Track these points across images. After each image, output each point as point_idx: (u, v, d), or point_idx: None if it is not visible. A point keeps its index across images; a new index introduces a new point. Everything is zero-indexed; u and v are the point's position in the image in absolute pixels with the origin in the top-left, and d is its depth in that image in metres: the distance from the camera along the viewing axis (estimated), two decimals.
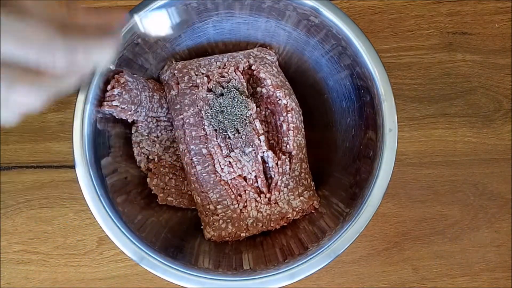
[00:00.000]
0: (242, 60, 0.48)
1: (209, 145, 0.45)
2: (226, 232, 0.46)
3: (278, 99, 0.47)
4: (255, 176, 0.46)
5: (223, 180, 0.46)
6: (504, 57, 0.55)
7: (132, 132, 0.48)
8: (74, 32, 0.26)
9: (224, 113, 0.46)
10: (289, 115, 0.47)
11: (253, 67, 0.48)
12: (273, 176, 0.47)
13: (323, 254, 0.41)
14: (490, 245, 0.54)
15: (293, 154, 0.47)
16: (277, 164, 0.46)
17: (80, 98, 0.41)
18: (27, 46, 0.25)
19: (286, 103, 0.47)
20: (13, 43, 0.24)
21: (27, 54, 0.25)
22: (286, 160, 0.47)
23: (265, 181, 0.47)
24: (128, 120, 0.46)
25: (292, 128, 0.47)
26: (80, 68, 0.27)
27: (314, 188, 0.49)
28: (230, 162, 0.45)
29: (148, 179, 0.48)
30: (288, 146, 0.47)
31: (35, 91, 0.26)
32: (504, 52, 0.55)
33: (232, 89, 0.46)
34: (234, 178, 0.46)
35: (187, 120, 0.46)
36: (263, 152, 0.46)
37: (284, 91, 0.47)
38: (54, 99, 0.27)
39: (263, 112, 0.49)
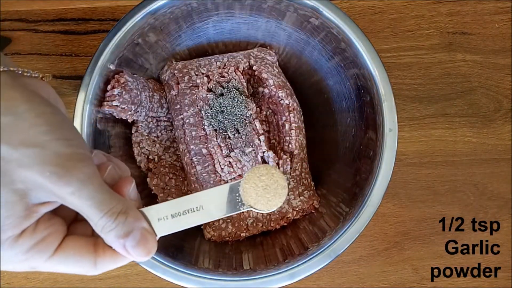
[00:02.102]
0: (242, 60, 0.48)
1: (209, 145, 0.45)
2: (226, 232, 0.46)
3: (280, 99, 0.47)
4: None
5: (223, 180, 0.46)
6: (504, 57, 0.55)
7: (132, 132, 0.48)
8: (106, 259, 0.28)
9: (224, 113, 0.46)
10: (291, 115, 0.47)
11: (254, 68, 0.48)
12: None
13: (323, 254, 0.41)
14: (490, 245, 0.54)
15: (294, 153, 0.47)
16: (278, 163, 0.46)
17: (80, 98, 0.41)
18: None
19: (288, 103, 0.47)
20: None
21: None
22: (287, 160, 0.47)
23: None
24: (128, 120, 0.46)
25: (294, 128, 0.47)
26: None
27: (314, 188, 0.49)
28: (230, 162, 0.45)
29: (148, 179, 0.48)
30: (290, 145, 0.47)
31: None
32: (504, 52, 0.55)
33: (232, 89, 0.46)
34: (234, 178, 0.46)
35: (187, 120, 0.46)
36: (263, 152, 0.46)
37: (286, 91, 0.47)
38: None
39: (264, 112, 0.49)
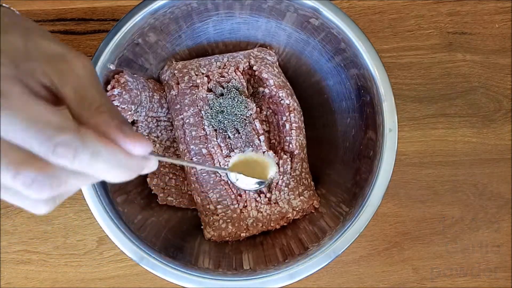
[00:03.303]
0: (242, 60, 0.48)
1: (209, 145, 0.45)
2: (226, 232, 0.46)
3: (280, 99, 0.47)
4: None
5: (223, 180, 0.46)
6: (504, 57, 0.55)
7: None
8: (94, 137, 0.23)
9: (224, 113, 0.46)
10: (292, 115, 0.47)
11: (254, 68, 0.48)
12: None
13: (323, 254, 0.41)
14: (490, 245, 0.54)
15: (295, 153, 0.47)
16: (278, 163, 0.46)
17: None
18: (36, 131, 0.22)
19: (288, 103, 0.47)
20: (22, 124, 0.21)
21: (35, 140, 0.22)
22: (288, 160, 0.47)
23: None
24: (128, 120, 0.46)
25: (294, 128, 0.47)
26: (96, 174, 0.23)
27: (314, 188, 0.49)
28: None
29: (148, 179, 0.48)
30: (290, 145, 0.47)
31: (40, 182, 0.22)
32: (504, 52, 0.55)
33: (232, 89, 0.46)
34: None
35: (187, 120, 0.46)
36: (263, 152, 0.46)
37: (286, 91, 0.48)
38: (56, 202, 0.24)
39: (265, 112, 0.49)
